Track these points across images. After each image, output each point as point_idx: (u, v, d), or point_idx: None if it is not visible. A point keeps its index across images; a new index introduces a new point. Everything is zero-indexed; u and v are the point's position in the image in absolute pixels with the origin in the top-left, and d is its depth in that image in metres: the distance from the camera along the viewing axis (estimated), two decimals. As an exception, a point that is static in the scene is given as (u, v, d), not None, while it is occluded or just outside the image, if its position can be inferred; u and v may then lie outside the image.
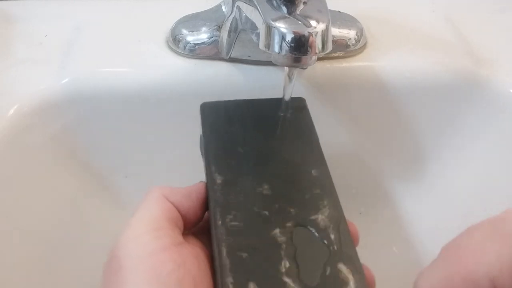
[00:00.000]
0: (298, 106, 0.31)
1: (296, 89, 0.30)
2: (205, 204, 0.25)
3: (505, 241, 0.16)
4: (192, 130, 0.40)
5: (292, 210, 0.24)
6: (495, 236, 0.17)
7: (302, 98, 0.31)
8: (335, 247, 0.22)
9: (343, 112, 0.39)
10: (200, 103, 0.30)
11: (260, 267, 0.21)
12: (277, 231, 0.23)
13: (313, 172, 0.26)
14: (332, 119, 0.39)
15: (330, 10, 0.28)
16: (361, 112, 0.39)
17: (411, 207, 0.44)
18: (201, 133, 0.29)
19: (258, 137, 0.28)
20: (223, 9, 0.36)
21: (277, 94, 0.31)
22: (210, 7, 0.38)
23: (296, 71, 0.29)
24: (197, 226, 0.26)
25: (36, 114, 0.34)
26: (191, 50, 0.36)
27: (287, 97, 0.30)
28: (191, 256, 0.22)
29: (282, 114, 0.30)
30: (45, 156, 0.36)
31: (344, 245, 0.22)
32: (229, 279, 0.21)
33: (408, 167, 0.43)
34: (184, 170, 0.42)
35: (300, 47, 0.26)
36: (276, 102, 0.31)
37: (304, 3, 0.27)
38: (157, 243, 0.21)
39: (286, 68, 0.29)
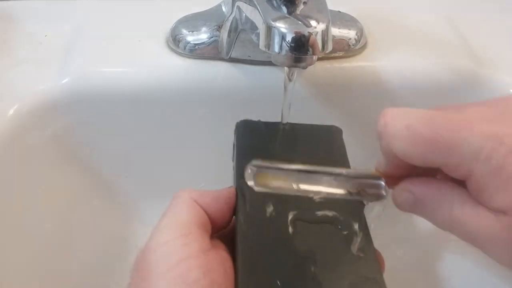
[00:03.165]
0: (333, 134, 0.31)
1: (296, 89, 0.30)
2: (234, 209, 0.25)
3: None
4: (192, 129, 0.40)
5: (318, 229, 0.24)
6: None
7: (338, 127, 0.31)
8: (361, 268, 0.22)
9: (343, 112, 0.39)
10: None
11: (279, 280, 0.21)
12: (301, 244, 0.23)
13: (345, 203, 0.26)
14: (331, 119, 0.39)
15: (330, 10, 0.28)
16: (361, 112, 0.39)
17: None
18: (234, 151, 0.29)
19: (289, 159, 0.28)
20: (223, 9, 0.36)
21: (278, 94, 0.31)
22: (210, 7, 0.38)
23: (296, 71, 0.29)
24: (224, 230, 0.26)
25: (36, 114, 0.34)
26: (191, 50, 0.36)
27: (287, 97, 0.30)
28: (218, 262, 0.22)
29: (316, 140, 0.30)
30: (45, 156, 0.36)
31: (370, 268, 0.22)
32: None
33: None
34: (185, 170, 0.42)
35: (300, 47, 0.26)
36: (312, 128, 0.30)
37: (304, 3, 0.27)
38: (185, 250, 0.21)
39: (286, 68, 0.29)
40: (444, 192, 0.21)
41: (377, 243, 0.25)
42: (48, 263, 0.35)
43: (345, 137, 0.30)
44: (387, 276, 0.23)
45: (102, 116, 0.37)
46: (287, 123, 0.31)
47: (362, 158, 0.43)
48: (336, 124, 0.31)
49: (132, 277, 0.22)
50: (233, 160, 0.29)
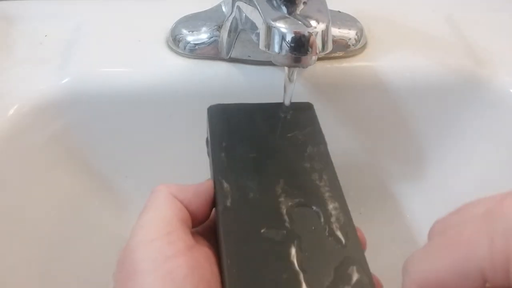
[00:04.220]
0: (306, 111, 0.31)
1: (296, 89, 0.30)
2: (213, 203, 0.25)
3: (500, 235, 0.15)
4: (192, 129, 0.40)
5: (299, 214, 0.24)
6: (490, 228, 0.15)
7: (309, 103, 0.31)
8: (343, 250, 0.22)
9: (343, 112, 0.39)
10: (207, 106, 0.30)
11: (265, 270, 0.21)
12: (283, 232, 0.23)
13: (323, 176, 0.26)
14: (331, 119, 0.39)
15: (330, 10, 0.28)
16: (361, 112, 0.39)
17: (411, 207, 0.44)
18: (208, 136, 0.29)
19: (265, 141, 0.28)
20: (223, 9, 0.36)
21: (278, 94, 0.31)
22: (210, 7, 0.38)
23: (296, 71, 0.29)
24: (203, 224, 0.25)
25: (36, 114, 0.34)
26: (191, 50, 0.36)
27: (288, 97, 0.30)
28: (204, 259, 0.22)
29: (289, 118, 0.30)
30: (45, 156, 0.36)
31: (352, 249, 0.22)
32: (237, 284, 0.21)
33: (408, 166, 0.43)
34: (185, 170, 0.42)
35: (300, 47, 0.26)
36: (284, 107, 0.30)
37: (304, 3, 0.27)
38: (171, 248, 0.21)
39: (286, 68, 0.29)
40: None
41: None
42: (48, 263, 0.35)
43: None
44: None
45: (102, 116, 0.37)
46: (257, 103, 0.31)
47: (362, 158, 0.43)
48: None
49: (116, 279, 0.21)
50: (207, 146, 0.29)
